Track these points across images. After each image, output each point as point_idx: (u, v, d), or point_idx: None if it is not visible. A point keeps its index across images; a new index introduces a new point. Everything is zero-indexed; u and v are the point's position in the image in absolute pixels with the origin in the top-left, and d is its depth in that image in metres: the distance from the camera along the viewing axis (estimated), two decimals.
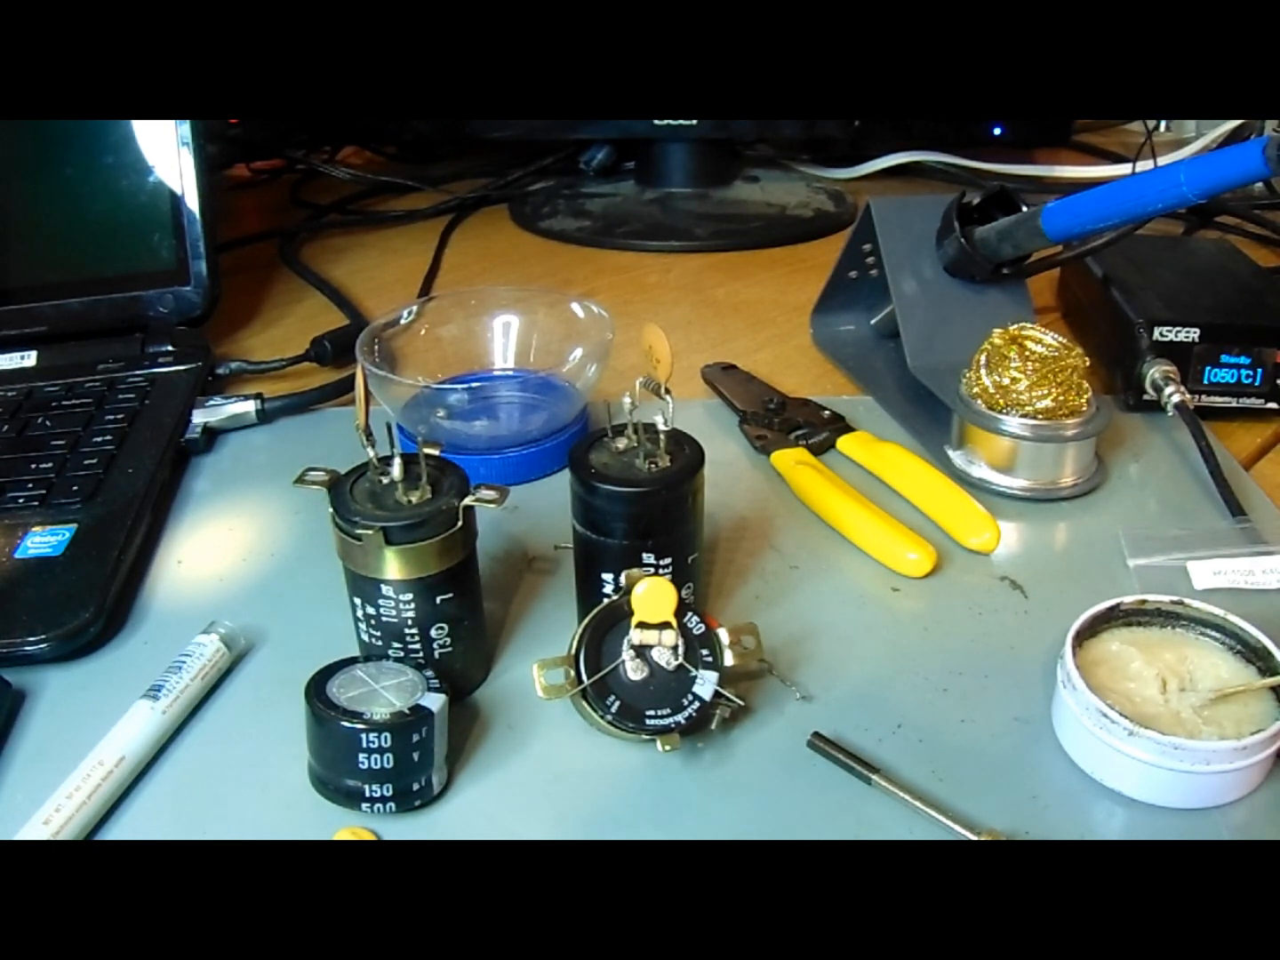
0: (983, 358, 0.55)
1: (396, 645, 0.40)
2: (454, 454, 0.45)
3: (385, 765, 0.36)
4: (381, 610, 0.39)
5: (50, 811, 0.36)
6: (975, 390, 0.55)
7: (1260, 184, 0.91)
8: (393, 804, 0.37)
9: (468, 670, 0.43)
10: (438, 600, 0.39)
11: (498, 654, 0.45)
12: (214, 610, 0.46)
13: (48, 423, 0.59)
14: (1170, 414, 0.57)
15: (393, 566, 0.38)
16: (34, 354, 0.65)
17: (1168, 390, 0.57)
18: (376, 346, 0.59)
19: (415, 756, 0.36)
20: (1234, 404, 0.60)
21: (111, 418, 0.58)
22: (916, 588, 0.48)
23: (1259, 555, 0.48)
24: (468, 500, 0.39)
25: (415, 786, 0.37)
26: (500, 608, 0.47)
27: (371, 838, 0.36)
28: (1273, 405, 0.60)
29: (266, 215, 1.02)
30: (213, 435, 0.61)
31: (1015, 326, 0.55)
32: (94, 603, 0.45)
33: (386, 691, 0.37)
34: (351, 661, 0.39)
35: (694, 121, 0.94)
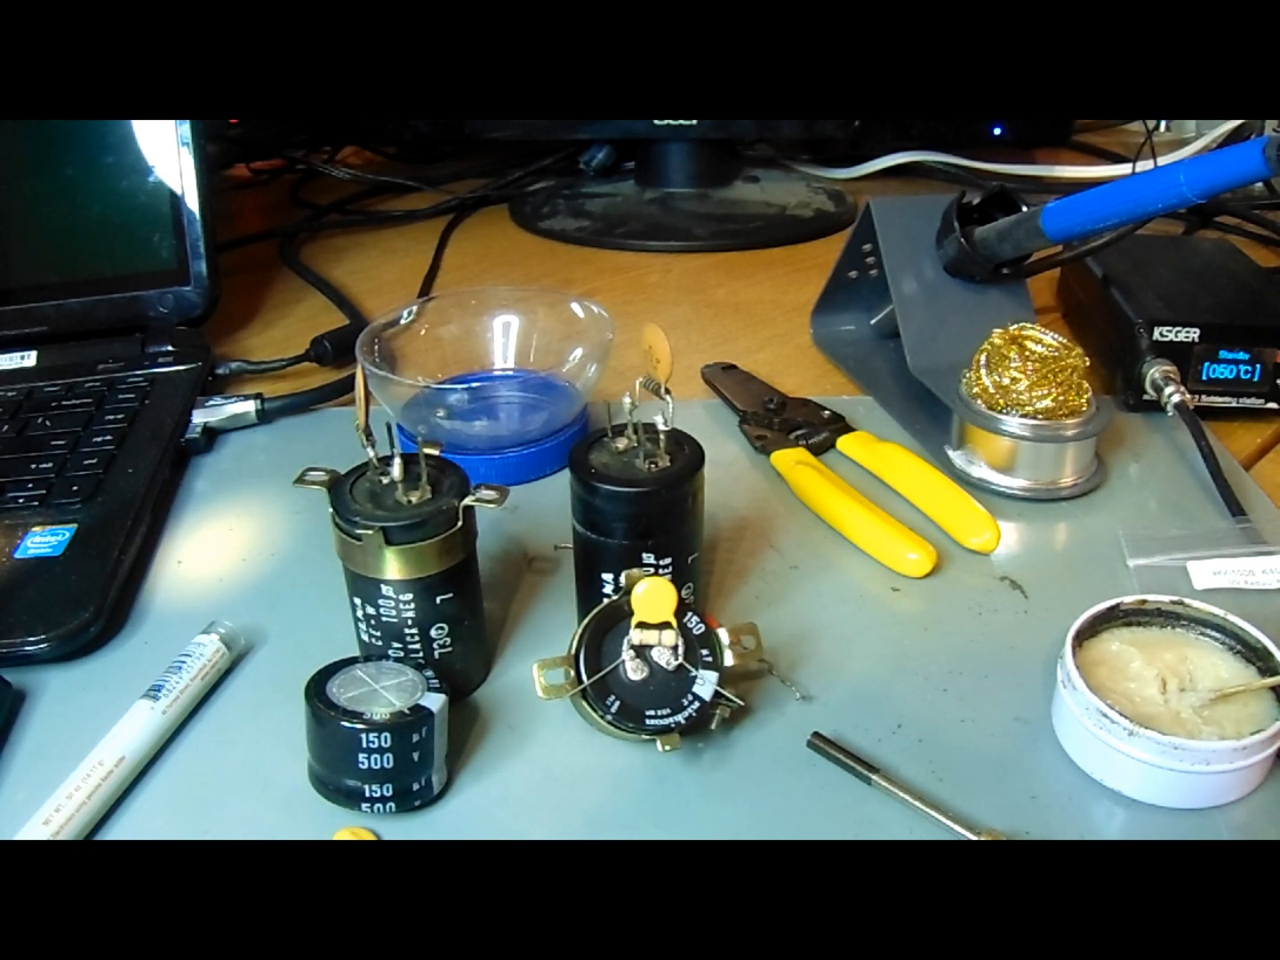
0: (983, 358, 0.55)
1: (396, 645, 0.40)
2: (454, 454, 0.45)
3: (385, 765, 0.36)
4: (381, 610, 0.39)
5: (50, 811, 0.36)
6: (975, 390, 0.55)
7: (1260, 184, 0.91)
8: (393, 804, 0.37)
9: (468, 670, 0.43)
10: (438, 600, 0.39)
11: (498, 654, 0.45)
12: (214, 610, 0.46)
13: (48, 423, 0.59)
14: (1170, 414, 0.57)
15: (393, 566, 0.38)
16: (34, 354, 0.65)
17: (1168, 390, 0.57)
18: (376, 346, 0.59)
19: (415, 756, 0.36)
20: (1234, 404, 0.60)
21: (111, 418, 0.58)
22: (916, 588, 0.48)
23: (1259, 555, 0.48)
24: (468, 500, 0.39)
25: (415, 786, 0.37)
26: (500, 608, 0.47)
27: (371, 838, 0.36)
28: (1272, 405, 0.60)
29: (266, 215, 1.02)
30: (213, 435, 0.61)
31: (1015, 326, 0.55)
32: (94, 603, 0.45)
33: (386, 691, 0.37)
34: (351, 661, 0.39)
35: (694, 121, 0.94)
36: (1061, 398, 0.53)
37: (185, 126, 0.67)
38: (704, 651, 0.39)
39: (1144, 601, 0.42)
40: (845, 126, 0.98)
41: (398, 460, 0.39)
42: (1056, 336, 0.54)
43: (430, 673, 0.39)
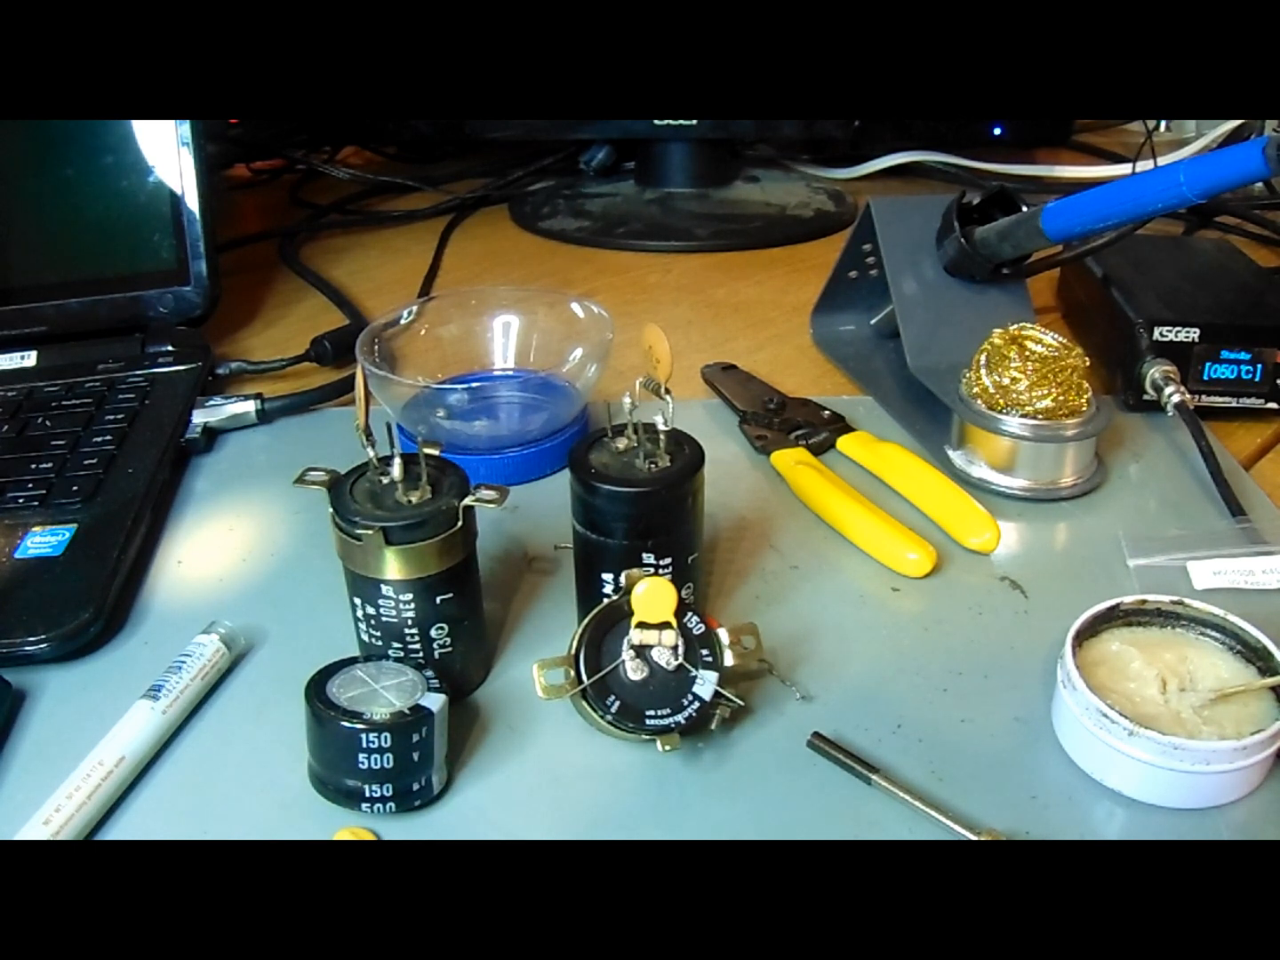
0: (983, 358, 0.55)
1: (396, 645, 0.40)
2: (454, 454, 0.45)
3: (385, 765, 0.36)
4: (381, 610, 0.39)
5: (50, 811, 0.36)
6: (975, 390, 0.55)
7: (1260, 184, 0.91)
8: (393, 804, 0.37)
9: (468, 670, 0.43)
10: (438, 600, 0.39)
11: (498, 654, 0.45)
12: (214, 610, 0.46)
13: (48, 423, 0.59)
14: (1170, 414, 0.57)
15: (393, 566, 0.38)
16: (34, 354, 0.65)
17: (1168, 390, 0.57)
18: (376, 346, 0.59)
19: (415, 756, 0.36)
20: (1234, 404, 0.60)
21: (111, 418, 0.58)
22: (916, 588, 0.48)
23: (1259, 555, 0.48)
24: (468, 500, 0.39)
25: (415, 786, 0.37)
26: (500, 608, 0.47)
27: (371, 838, 0.36)
28: (1273, 405, 0.60)
29: (266, 215, 1.02)
30: (213, 435, 0.61)
31: (1015, 326, 0.55)
32: (94, 603, 0.45)
33: (386, 691, 0.37)
34: (351, 661, 0.39)
35: (694, 121, 0.94)
36: (1061, 398, 0.53)
37: (185, 126, 0.67)
38: (704, 651, 0.39)
39: (1144, 601, 0.42)
40: (845, 126, 0.98)
41: (398, 460, 0.39)
42: (1056, 336, 0.54)
43: (430, 673, 0.39)
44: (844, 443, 0.58)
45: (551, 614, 0.47)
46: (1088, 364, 0.54)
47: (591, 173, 1.06)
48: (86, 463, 0.54)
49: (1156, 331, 0.59)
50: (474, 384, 0.62)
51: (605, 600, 0.40)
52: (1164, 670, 0.40)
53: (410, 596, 0.39)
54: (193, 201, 0.67)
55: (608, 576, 0.43)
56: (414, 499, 0.39)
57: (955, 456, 0.56)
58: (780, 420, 0.60)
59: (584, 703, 0.38)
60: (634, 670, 0.38)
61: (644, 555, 0.42)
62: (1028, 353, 0.53)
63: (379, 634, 0.40)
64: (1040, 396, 0.53)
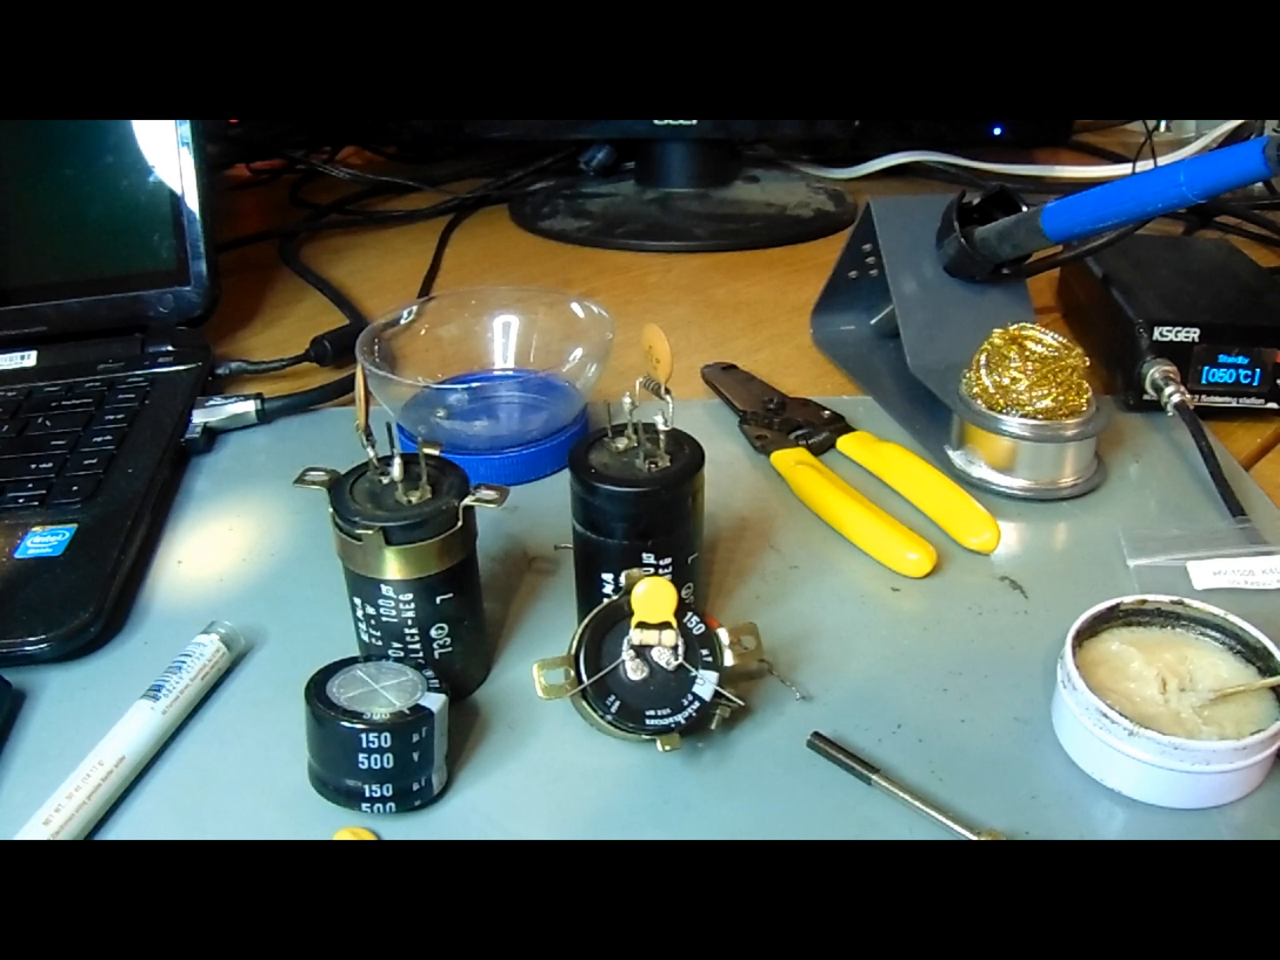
0: (983, 358, 0.55)
1: (396, 645, 0.40)
2: (454, 454, 0.45)
3: (385, 765, 0.36)
4: (381, 610, 0.39)
5: (50, 811, 0.36)
6: (975, 390, 0.55)
7: (1260, 184, 0.91)
8: (393, 804, 0.37)
9: (468, 670, 0.43)
10: (438, 600, 0.39)
11: (498, 654, 0.45)
12: (214, 610, 0.46)
13: (48, 423, 0.59)
14: (1170, 414, 0.57)
15: (393, 566, 0.38)
16: (34, 354, 0.65)
17: (1168, 390, 0.57)
18: (376, 346, 0.59)
19: (415, 756, 0.36)
20: (1234, 404, 0.60)
21: (111, 418, 0.58)
22: (916, 588, 0.48)
23: (1259, 555, 0.48)
24: (468, 500, 0.39)
25: (415, 786, 0.37)
26: (500, 608, 0.47)
27: (371, 838, 0.36)
28: (1272, 405, 0.60)
29: (266, 215, 1.02)
30: (213, 435, 0.61)
31: (1015, 326, 0.55)
32: (94, 603, 0.45)
33: (386, 691, 0.37)
34: (351, 661, 0.39)
35: (694, 121, 0.94)
36: (1061, 398, 0.53)
37: (185, 126, 0.67)
38: (704, 651, 0.39)
39: (1144, 601, 0.42)
40: (845, 126, 0.98)
41: (398, 460, 0.39)
42: (1056, 336, 0.54)
43: (430, 673, 0.39)
44: (844, 443, 0.58)
45: (551, 614, 0.47)
46: (1088, 364, 0.54)
47: (591, 173, 1.06)
48: (86, 463, 0.54)
49: (1156, 331, 0.59)
50: (474, 384, 0.62)
51: (605, 600, 0.40)
52: (1164, 670, 0.40)
53: (410, 596, 0.39)
54: (193, 201, 0.67)
55: (608, 576, 0.43)
56: (414, 499, 0.39)
57: (955, 456, 0.56)
58: (780, 420, 0.60)
59: (584, 703, 0.38)
60: (634, 670, 0.38)
61: (644, 555, 0.42)
62: (1028, 353, 0.54)
63: (379, 634, 0.40)
64: (1040, 396, 0.53)
